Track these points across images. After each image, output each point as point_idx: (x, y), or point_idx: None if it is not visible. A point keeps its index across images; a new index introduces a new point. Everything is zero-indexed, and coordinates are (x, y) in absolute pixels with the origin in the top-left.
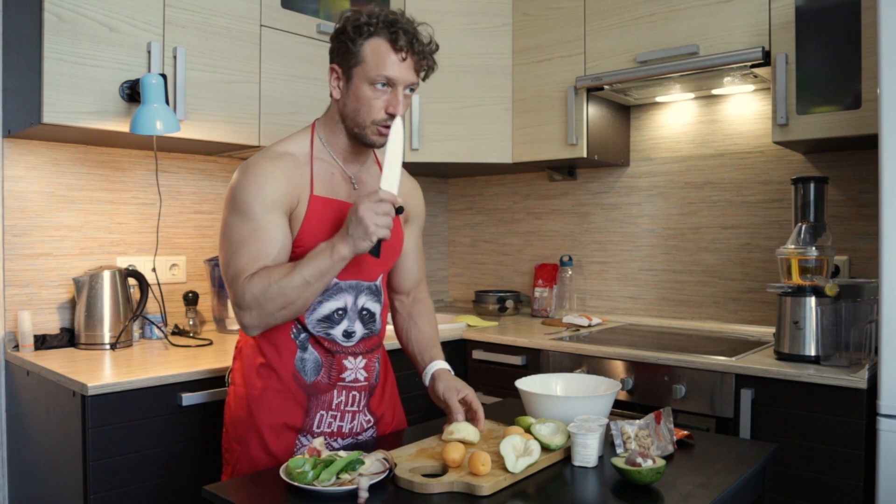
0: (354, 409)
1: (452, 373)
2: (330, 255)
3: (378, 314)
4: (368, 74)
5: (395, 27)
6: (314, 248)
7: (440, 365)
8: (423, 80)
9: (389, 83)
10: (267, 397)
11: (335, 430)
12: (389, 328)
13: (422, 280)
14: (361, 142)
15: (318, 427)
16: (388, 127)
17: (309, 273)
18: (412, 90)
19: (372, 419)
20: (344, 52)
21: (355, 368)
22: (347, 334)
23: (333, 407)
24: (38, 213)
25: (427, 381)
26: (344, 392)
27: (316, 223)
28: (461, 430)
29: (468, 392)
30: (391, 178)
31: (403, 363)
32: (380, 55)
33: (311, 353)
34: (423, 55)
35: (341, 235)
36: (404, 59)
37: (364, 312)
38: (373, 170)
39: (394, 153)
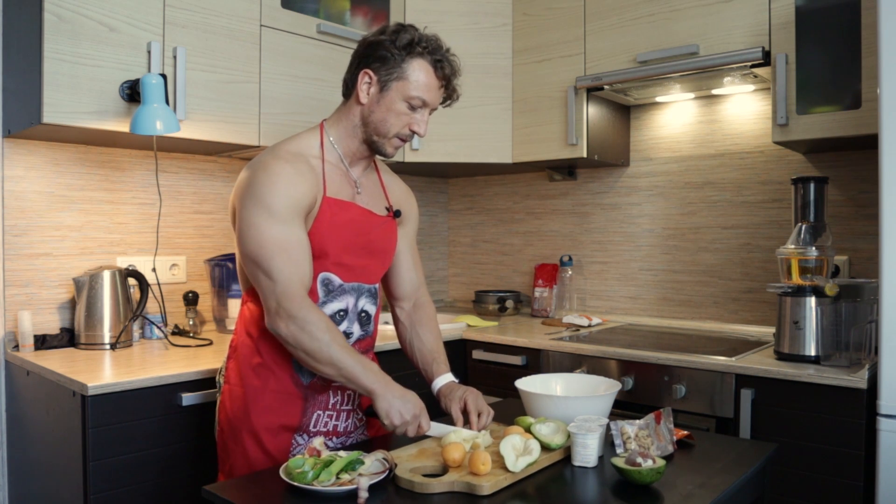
0: (349, 407)
1: (457, 381)
2: (369, 381)
3: (373, 316)
4: (408, 92)
5: (440, 54)
6: (371, 364)
7: (443, 381)
8: (443, 106)
9: (422, 105)
10: (264, 397)
11: (331, 429)
12: (386, 328)
13: (421, 284)
14: (375, 149)
15: (315, 426)
16: (404, 141)
17: (346, 365)
18: (430, 114)
19: (364, 418)
20: (385, 62)
21: None
22: (345, 335)
23: (330, 406)
24: (38, 213)
25: (436, 396)
26: (339, 391)
27: (327, 224)
28: (453, 438)
29: (468, 397)
30: (440, 430)
31: (400, 363)
32: (422, 76)
33: None
34: (453, 89)
35: (393, 389)
36: (441, 87)
37: (362, 314)
38: (372, 175)
39: (460, 430)
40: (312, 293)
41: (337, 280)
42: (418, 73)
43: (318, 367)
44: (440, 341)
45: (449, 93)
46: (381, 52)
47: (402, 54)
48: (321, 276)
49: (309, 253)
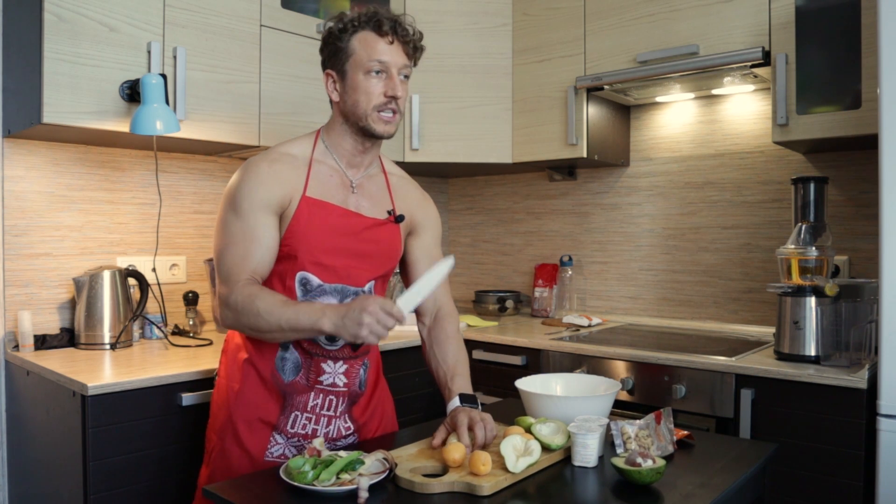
0: (331, 413)
1: (468, 405)
2: (313, 321)
3: None
4: (362, 63)
5: (377, 17)
6: (308, 305)
7: (451, 407)
8: (415, 64)
9: (383, 68)
10: (246, 392)
11: (309, 432)
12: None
13: (441, 296)
14: (368, 133)
15: (293, 427)
16: (392, 113)
17: (286, 320)
18: (406, 77)
19: (352, 426)
20: (334, 53)
21: (334, 373)
22: (330, 337)
23: (308, 409)
24: (38, 213)
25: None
26: (321, 395)
27: (304, 223)
28: (454, 439)
29: (477, 421)
30: (411, 301)
31: (404, 363)
32: (368, 43)
33: (292, 354)
34: (407, 38)
35: (336, 313)
36: (391, 43)
37: None
38: (378, 179)
39: (427, 282)
40: (291, 292)
41: (316, 280)
42: (362, 43)
43: (270, 336)
44: (459, 359)
45: (406, 47)
46: (329, 49)
47: (342, 37)
48: (299, 275)
49: (265, 246)
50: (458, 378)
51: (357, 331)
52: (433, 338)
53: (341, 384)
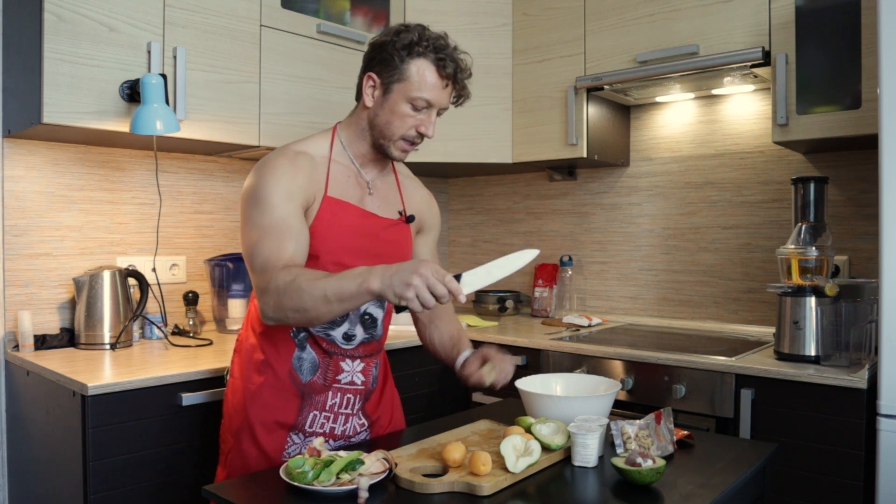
0: (348, 411)
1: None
2: (359, 283)
3: (380, 320)
4: (410, 93)
5: (444, 53)
6: (351, 269)
7: (462, 358)
8: (455, 106)
9: (427, 106)
10: (263, 393)
11: (327, 431)
12: (393, 328)
13: None
14: (383, 153)
15: (311, 427)
16: (413, 144)
17: (331, 290)
18: (440, 114)
19: (366, 422)
20: (386, 65)
21: (352, 371)
22: (347, 337)
23: (327, 408)
24: (38, 213)
25: (458, 369)
26: (339, 394)
27: (326, 224)
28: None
29: (494, 354)
30: (478, 281)
31: (404, 363)
32: (424, 78)
33: (309, 353)
34: (462, 86)
35: (385, 272)
36: (446, 87)
37: (366, 317)
38: (389, 179)
39: (502, 267)
40: None
41: None
42: (419, 74)
43: (315, 314)
44: (460, 326)
45: (458, 91)
46: (384, 55)
47: (403, 55)
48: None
49: (299, 236)
50: (463, 339)
51: (403, 291)
52: (433, 316)
53: (359, 382)
